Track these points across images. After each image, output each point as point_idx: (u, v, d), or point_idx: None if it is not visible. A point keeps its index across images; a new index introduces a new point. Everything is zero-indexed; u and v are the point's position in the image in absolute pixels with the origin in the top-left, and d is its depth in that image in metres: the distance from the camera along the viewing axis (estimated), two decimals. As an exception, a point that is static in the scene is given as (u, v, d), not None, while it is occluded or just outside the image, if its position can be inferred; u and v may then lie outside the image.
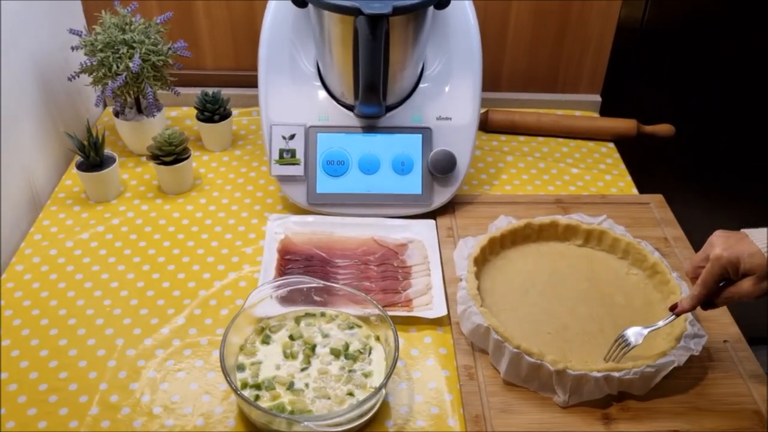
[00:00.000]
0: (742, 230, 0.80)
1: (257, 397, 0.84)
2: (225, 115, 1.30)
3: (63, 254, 1.09)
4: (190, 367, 0.93)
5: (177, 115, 1.42)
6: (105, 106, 1.43)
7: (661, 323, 0.88)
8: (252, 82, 1.19)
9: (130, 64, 1.16)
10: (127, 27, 1.19)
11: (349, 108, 1.15)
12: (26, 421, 0.85)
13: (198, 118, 1.30)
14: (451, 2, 1.07)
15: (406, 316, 0.99)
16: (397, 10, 0.99)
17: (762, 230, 0.78)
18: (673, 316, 0.87)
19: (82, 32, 1.20)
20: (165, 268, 1.07)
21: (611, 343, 0.89)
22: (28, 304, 1.00)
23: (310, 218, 1.14)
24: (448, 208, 1.17)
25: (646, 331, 0.88)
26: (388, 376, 0.82)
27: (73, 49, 1.20)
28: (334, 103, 1.16)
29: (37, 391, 0.89)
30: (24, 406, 0.87)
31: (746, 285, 0.78)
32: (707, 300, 0.83)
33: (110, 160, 1.19)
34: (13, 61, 1.12)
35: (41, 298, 1.02)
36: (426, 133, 1.15)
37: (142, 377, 0.91)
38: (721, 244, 0.80)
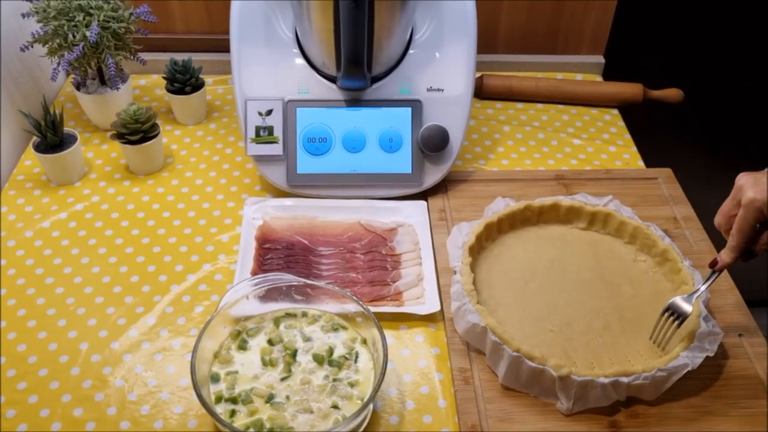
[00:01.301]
0: None
1: (233, 413, 0.76)
2: (197, 86, 1.19)
3: (22, 246, 1.00)
4: (161, 374, 0.85)
5: (146, 83, 1.31)
6: (68, 75, 1.32)
7: (703, 287, 0.83)
8: (227, 47, 1.08)
9: (88, 33, 1.05)
10: (84, -9, 1.07)
11: (332, 79, 1.05)
12: (-19, 441, 0.78)
13: (168, 90, 1.19)
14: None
15: (396, 313, 0.91)
16: (382, -27, 0.88)
17: None
18: (716, 274, 0.82)
19: (33, -3, 1.08)
20: (134, 260, 0.99)
21: (657, 320, 0.84)
22: (-17, 305, 0.92)
23: (289, 201, 1.05)
24: (440, 188, 1.08)
25: (693, 299, 0.83)
26: (375, 390, 0.74)
27: (23, 16, 1.08)
28: (315, 74, 1.05)
29: (-7, 406, 0.81)
30: (-21, 422, 0.79)
31: None
32: (746, 248, 0.79)
33: (71, 140, 1.08)
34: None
35: (-2, 297, 0.93)
36: (416, 106, 1.05)
37: (109, 386, 0.83)
38: (751, 186, 0.75)
